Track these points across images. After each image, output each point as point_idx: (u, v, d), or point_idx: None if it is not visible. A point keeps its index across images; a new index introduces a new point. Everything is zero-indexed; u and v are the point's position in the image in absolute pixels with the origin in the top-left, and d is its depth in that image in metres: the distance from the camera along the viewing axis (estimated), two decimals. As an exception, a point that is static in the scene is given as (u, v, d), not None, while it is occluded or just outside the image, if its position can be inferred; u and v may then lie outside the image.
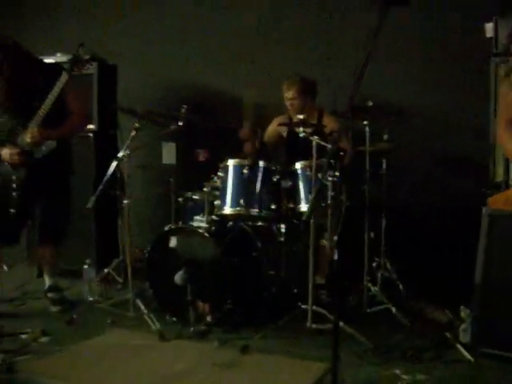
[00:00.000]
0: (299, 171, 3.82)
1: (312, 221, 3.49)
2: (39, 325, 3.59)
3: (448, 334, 3.32)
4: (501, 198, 3.21)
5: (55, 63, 4.43)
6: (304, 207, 3.76)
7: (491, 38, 3.81)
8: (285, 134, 4.47)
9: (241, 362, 3.16)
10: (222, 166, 3.90)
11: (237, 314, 3.70)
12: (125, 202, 3.95)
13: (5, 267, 4.76)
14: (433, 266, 4.16)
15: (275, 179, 3.84)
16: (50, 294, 4.12)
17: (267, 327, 3.50)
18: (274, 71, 4.98)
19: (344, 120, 3.43)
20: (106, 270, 4.58)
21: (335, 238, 3.47)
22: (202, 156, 4.39)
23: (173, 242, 3.75)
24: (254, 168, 3.82)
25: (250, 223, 4.03)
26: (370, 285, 3.91)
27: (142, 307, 3.72)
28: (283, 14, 5.04)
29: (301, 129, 3.73)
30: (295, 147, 4.13)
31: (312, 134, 3.66)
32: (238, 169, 3.83)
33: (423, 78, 4.55)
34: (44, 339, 3.42)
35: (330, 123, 4.14)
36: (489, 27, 3.83)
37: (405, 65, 4.59)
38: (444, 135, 4.51)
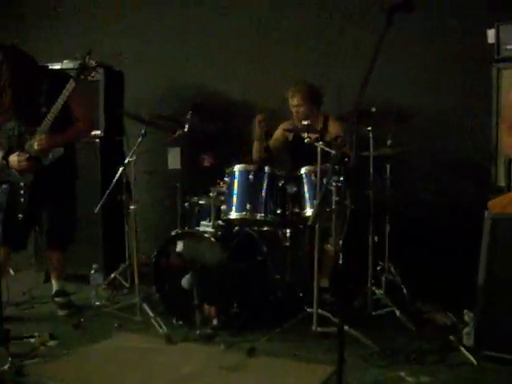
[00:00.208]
0: (304, 176, 3.84)
1: (317, 225, 3.51)
2: (47, 329, 3.62)
3: (452, 337, 3.34)
4: (503, 200, 3.21)
5: (62, 70, 4.48)
6: (309, 212, 3.76)
7: (493, 44, 3.82)
8: (290, 138, 4.49)
9: (247, 364, 3.19)
10: (227, 171, 3.93)
11: (243, 317, 3.72)
12: (131, 207, 3.99)
13: (11, 271, 4.78)
14: (436, 270, 4.17)
15: (280, 184, 3.86)
16: (57, 299, 4.14)
17: (273, 330, 3.52)
18: (274, 71, 4.99)
19: (348, 125, 3.45)
20: (112, 275, 4.61)
21: (340, 242, 3.49)
22: (206, 161, 4.41)
23: (179, 246, 3.78)
24: (259, 173, 3.85)
25: (256, 228, 4.06)
26: (374, 288, 3.92)
27: (149, 311, 3.75)
28: (283, 13, 5.02)
29: (306, 134, 3.77)
30: (300, 152, 4.15)
31: (317, 140, 3.70)
32: (244, 174, 3.85)
33: (423, 79, 4.53)
34: (52, 343, 3.45)
35: (334, 128, 4.16)
36: (491, 33, 3.83)
37: (405, 67, 4.57)
38: (447, 138, 4.49)
